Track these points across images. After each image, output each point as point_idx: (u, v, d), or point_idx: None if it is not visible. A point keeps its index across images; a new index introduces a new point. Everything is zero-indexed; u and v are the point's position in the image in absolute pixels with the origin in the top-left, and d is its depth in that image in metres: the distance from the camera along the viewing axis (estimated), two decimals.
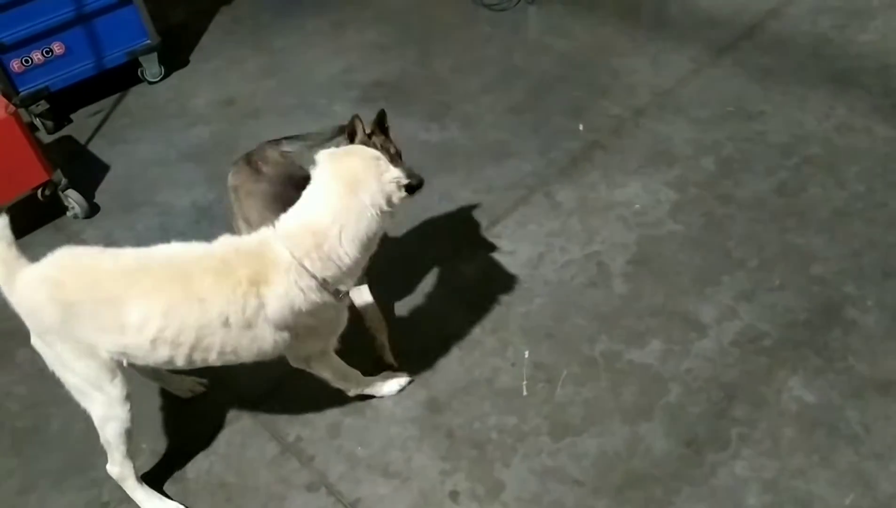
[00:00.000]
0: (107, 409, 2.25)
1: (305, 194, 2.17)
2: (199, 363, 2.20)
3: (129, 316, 2.06)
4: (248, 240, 2.19)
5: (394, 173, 2.14)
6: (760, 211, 3.21)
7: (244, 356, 2.21)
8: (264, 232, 2.17)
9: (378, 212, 2.11)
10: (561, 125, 3.81)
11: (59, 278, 2.09)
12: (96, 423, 2.31)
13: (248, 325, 2.10)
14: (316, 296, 2.12)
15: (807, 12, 4.30)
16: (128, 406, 2.26)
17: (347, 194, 2.09)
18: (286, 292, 2.08)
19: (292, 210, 2.17)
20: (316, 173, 2.16)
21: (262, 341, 2.17)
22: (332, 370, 2.52)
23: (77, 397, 2.27)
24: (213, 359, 2.18)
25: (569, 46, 4.37)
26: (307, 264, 2.09)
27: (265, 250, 2.11)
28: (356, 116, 2.51)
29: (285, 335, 2.19)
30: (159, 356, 2.13)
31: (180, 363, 2.17)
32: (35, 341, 2.21)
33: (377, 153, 2.21)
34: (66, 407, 2.71)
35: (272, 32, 4.90)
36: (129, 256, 2.16)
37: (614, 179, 3.46)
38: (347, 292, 2.28)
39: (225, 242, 2.18)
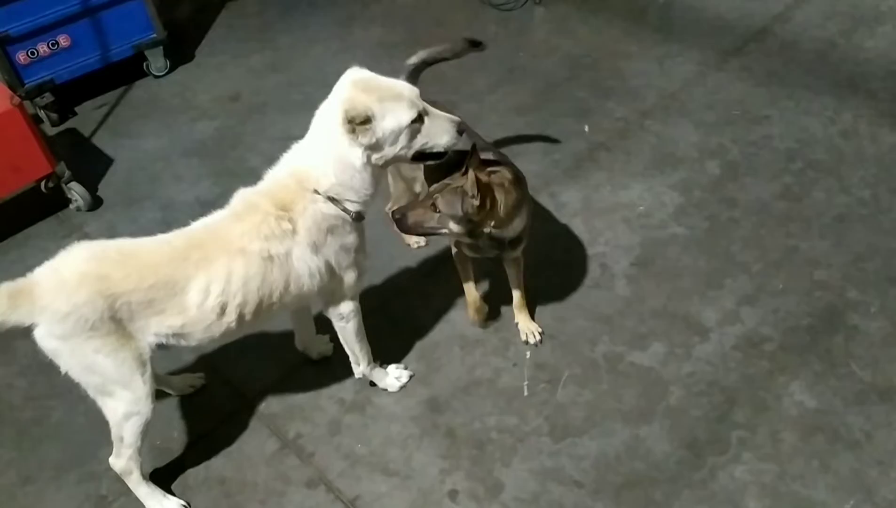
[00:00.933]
0: (131, 406, 2.24)
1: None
2: (262, 320, 2.32)
3: (189, 294, 2.15)
4: (260, 184, 2.33)
5: (343, 109, 2.21)
6: (764, 215, 3.20)
7: (291, 296, 2.31)
8: (270, 173, 2.33)
9: (347, 141, 2.22)
10: (566, 126, 3.80)
11: (100, 273, 2.08)
12: (114, 420, 2.27)
13: (287, 254, 2.24)
14: (328, 209, 2.26)
15: (814, 17, 4.29)
16: (152, 403, 2.27)
17: (317, 132, 2.28)
18: (304, 208, 2.24)
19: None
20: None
21: (303, 270, 2.27)
22: (358, 326, 2.57)
23: (98, 397, 2.24)
24: (268, 307, 2.27)
25: (575, 48, 4.37)
26: (304, 182, 2.25)
27: (278, 182, 2.28)
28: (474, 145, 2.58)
29: (319, 261, 2.29)
30: (222, 324, 2.22)
31: (242, 329, 2.29)
32: (54, 344, 2.11)
33: (347, 99, 2.27)
34: (66, 400, 2.73)
35: (278, 29, 4.90)
36: (162, 239, 2.23)
37: (619, 180, 3.46)
38: (361, 215, 2.34)
39: (240, 193, 2.32)
